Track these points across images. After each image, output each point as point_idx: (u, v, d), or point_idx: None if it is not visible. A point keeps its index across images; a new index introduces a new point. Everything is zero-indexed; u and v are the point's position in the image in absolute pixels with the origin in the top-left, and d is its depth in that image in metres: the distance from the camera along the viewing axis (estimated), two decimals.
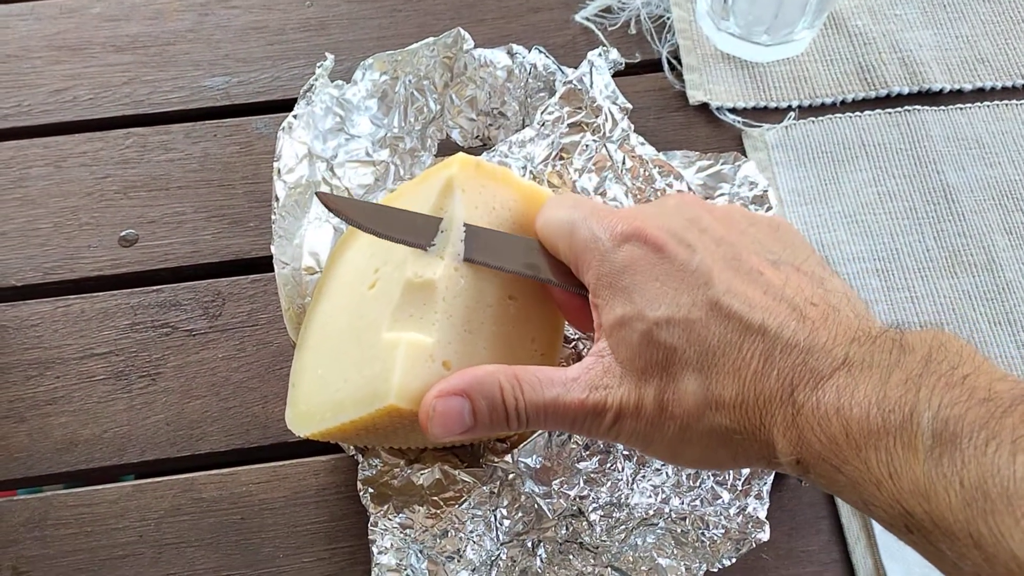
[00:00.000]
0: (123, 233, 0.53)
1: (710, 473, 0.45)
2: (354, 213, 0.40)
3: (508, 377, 0.35)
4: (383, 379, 0.39)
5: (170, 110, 0.58)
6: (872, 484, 0.27)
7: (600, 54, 0.52)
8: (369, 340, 0.41)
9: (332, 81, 0.51)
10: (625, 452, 0.44)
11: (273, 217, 0.46)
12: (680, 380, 0.32)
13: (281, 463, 0.47)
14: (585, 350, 0.48)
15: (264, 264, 0.52)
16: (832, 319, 0.31)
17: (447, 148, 0.54)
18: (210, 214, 0.54)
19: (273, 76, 0.59)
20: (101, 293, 0.51)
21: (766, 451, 0.31)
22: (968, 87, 0.59)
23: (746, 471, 0.45)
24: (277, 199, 0.47)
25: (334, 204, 0.40)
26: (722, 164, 0.53)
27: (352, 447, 0.45)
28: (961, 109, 0.58)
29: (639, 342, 0.33)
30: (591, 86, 0.51)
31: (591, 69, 0.52)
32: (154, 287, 0.52)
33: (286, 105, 0.58)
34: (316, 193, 0.41)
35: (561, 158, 0.50)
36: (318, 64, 0.50)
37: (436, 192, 0.42)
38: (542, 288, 0.44)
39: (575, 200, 0.40)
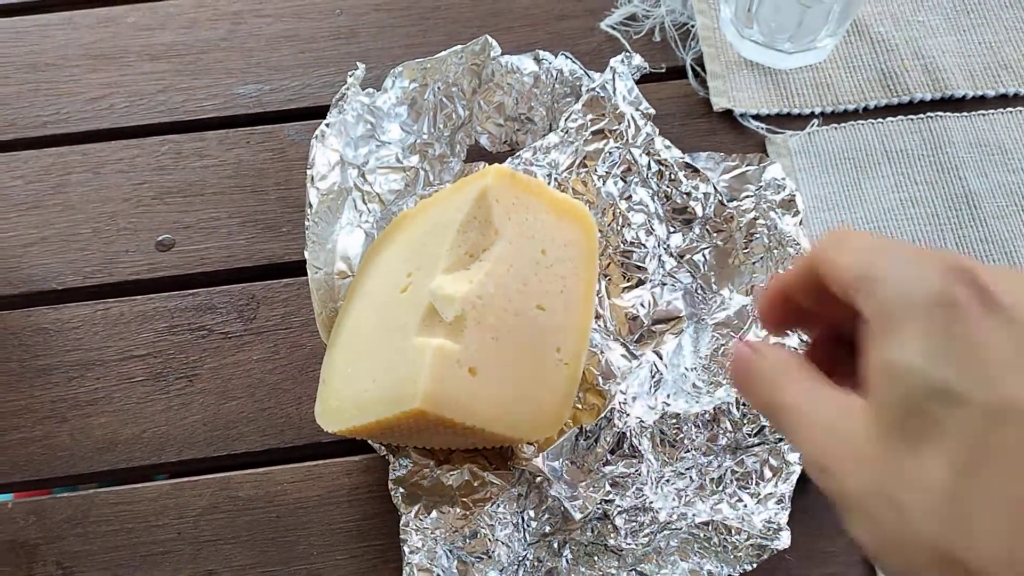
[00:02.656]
0: (160, 238, 0.55)
1: (733, 478, 0.46)
2: None
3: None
4: (411, 382, 0.40)
5: (204, 117, 0.59)
6: None
7: (623, 60, 0.53)
8: (399, 343, 0.43)
9: (363, 89, 0.52)
10: (651, 456, 0.45)
11: (307, 223, 0.48)
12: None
13: (315, 463, 0.48)
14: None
15: (297, 268, 0.54)
16: None
17: (475, 153, 0.55)
18: (244, 219, 0.55)
19: (304, 84, 0.60)
20: (139, 296, 0.53)
21: None
22: (991, 93, 0.59)
23: (769, 474, 0.46)
24: (311, 205, 0.48)
25: None
26: (747, 166, 0.54)
27: (382, 447, 0.46)
28: (984, 115, 0.58)
29: None
30: (614, 92, 0.52)
31: (613, 75, 0.53)
32: (190, 291, 0.53)
33: (317, 112, 0.59)
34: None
35: (584, 165, 0.51)
36: (349, 73, 0.51)
37: (471, 201, 0.44)
38: (570, 299, 0.45)
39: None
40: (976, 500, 0.23)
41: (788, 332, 0.38)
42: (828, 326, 0.33)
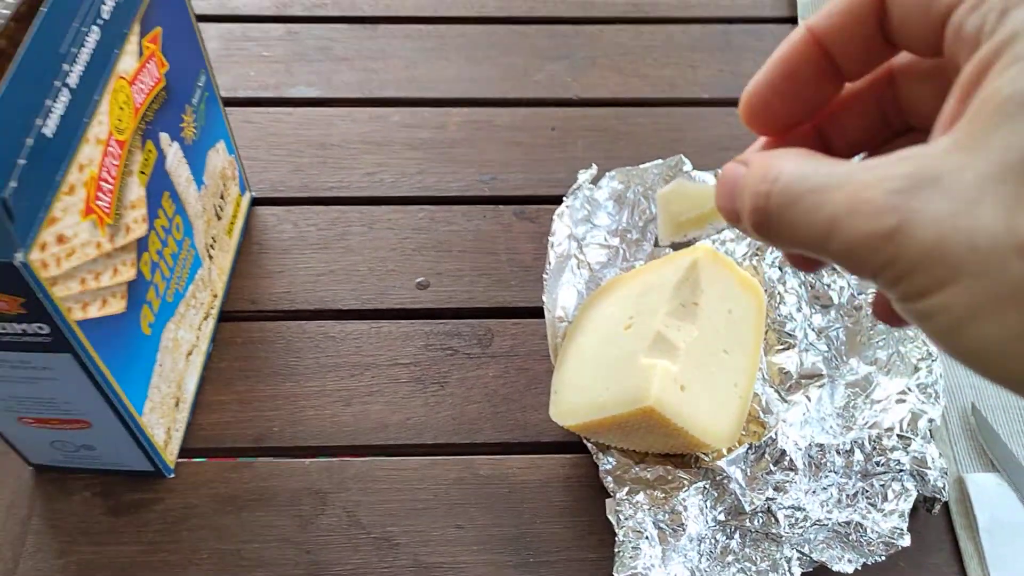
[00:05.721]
0: (418, 280, 0.72)
1: (864, 496, 0.60)
2: None
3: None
4: (643, 388, 0.56)
5: (451, 195, 0.77)
6: None
7: None
8: (627, 362, 0.58)
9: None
10: (801, 468, 0.60)
11: (544, 277, 0.65)
12: None
13: (536, 456, 0.63)
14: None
15: (522, 312, 0.70)
16: None
17: None
18: (481, 272, 0.72)
19: (526, 178, 0.78)
20: (403, 321, 0.69)
21: None
22: None
23: (892, 495, 0.60)
24: (549, 263, 0.65)
25: None
26: None
27: (594, 445, 0.61)
28: None
29: None
30: None
31: None
32: (441, 320, 0.70)
33: (533, 200, 0.77)
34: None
35: (756, 254, 0.68)
36: (582, 171, 0.69)
37: (684, 268, 0.60)
38: (746, 349, 0.61)
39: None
40: None
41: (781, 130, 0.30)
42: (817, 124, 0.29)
